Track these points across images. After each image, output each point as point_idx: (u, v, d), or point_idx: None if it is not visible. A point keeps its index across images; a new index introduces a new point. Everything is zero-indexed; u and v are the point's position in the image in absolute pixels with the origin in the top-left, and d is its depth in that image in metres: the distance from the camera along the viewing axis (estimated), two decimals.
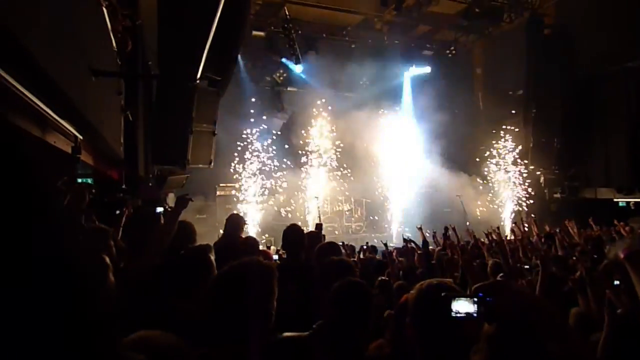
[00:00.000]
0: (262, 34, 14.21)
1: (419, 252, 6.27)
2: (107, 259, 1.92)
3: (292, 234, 3.55)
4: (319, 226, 5.30)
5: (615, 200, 12.41)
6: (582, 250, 5.39)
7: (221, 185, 13.90)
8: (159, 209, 4.66)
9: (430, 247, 6.44)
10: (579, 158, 13.17)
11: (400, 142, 15.57)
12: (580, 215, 10.86)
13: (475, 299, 1.16)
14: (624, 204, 12.62)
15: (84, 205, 2.88)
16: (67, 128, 3.48)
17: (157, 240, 2.76)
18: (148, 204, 6.11)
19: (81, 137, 3.77)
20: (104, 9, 3.84)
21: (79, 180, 4.47)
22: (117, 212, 3.72)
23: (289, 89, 16.00)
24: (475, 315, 1.17)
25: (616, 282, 2.79)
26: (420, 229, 7.38)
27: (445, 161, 14.54)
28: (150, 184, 7.26)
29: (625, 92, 12.07)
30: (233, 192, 13.85)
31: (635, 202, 12.24)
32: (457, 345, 1.55)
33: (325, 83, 15.62)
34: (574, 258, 4.83)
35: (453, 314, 1.37)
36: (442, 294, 1.28)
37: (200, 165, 7.88)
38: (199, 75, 5.68)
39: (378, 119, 15.72)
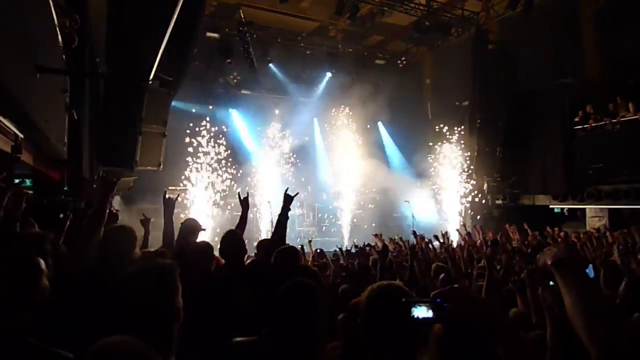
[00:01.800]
0: (216, 35, 14.01)
1: (375, 255, 6.41)
2: (42, 264, 1.83)
3: (232, 240, 3.51)
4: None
5: (550, 206, 13.23)
6: (522, 253, 5.70)
7: (170, 188, 13.51)
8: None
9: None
10: (519, 167, 13.93)
11: (351, 148, 15.83)
12: (519, 221, 11.47)
13: (432, 304, 1.21)
14: (559, 210, 13.49)
15: (19, 210, 2.72)
16: (7, 126, 3.28)
17: (87, 232, 2.67)
18: (91, 207, 5.83)
19: (22, 136, 3.56)
20: (50, 2, 3.66)
21: (16, 181, 4.22)
22: (61, 215, 3.54)
23: (242, 91, 15.88)
24: (432, 319, 1.22)
25: (552, 283, 3.00)
26: (376, 235, 7.56)
27: (395, 168, 14.93)
28: (94, 186, 6.96)
29: (561, 106, 12.94)
30: (184, 195, 13.50)
31: (568, 208, 13.12)
32: (407, 346, 1.61)
33: (279, 87, 15.65)
34: (514, 261, 5.11)
35: (410, 317, 1.43)
36: (403, 300, 1.33)
37: (149, 168, 7.65)
38: (151, 76, 5.51)
39: (331, 125, 15.94)
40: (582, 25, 13.29)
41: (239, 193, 4.49)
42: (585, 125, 12.30)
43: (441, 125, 15.47)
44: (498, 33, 14.91)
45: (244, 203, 4.28)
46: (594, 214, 12.33)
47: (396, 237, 8.83)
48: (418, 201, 14.46)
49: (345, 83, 16.23)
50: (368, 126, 16.53)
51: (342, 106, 16.06)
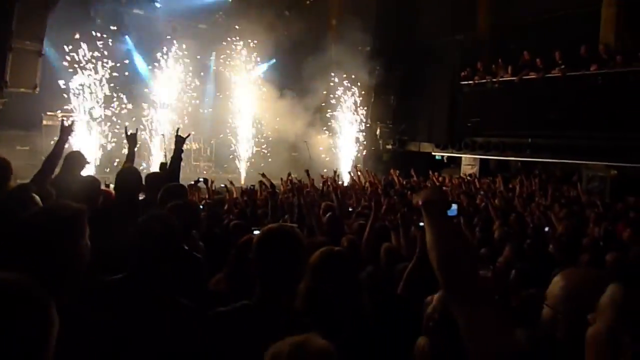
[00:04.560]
0: None
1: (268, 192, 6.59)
2: None
3: (125, 175, 3.40)
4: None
5: (433, 153, 14.50)
6: (400, 193, 6.29)
7: (49, 113, 12.18)
8: None
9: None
10: (410, 115, 14.89)
11: (251, 84, 15.47)
12: (406, 165, 12.46)
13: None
14: (440, 157, 14.86)
15: None
16: None
17: None
18: None
19: None
20: None
21: None
22: None
23: (135, 11, 14.39)
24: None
25: (421, 224, 3.44)
26: (263, 175, 7.69)
27: (294, 106, 14.98)
28: None
29: (452, 61, 13.88)
30: (64, 122, 12.24)
31: (448, 156, 14.49)
32: (292, 281, 1.80)
33: (176, 10, 14.46)
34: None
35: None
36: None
37: (23, 90, 6.82)
38: None
39: (231, 58, 15.32)
40: None
41: (126, 128, 4.31)
42: (470, 82, 13.40)
43: (343, 68, 15.67)
44: None
45: (131, 139, 4.15)
46: (468, 162, 13.80)
47: (292, 176, 9.10)
48: (315, 142, 14.85)
49: (248, 14, 15.46)
50: (269, 62, 16.20)
51: (238, 38, 15.38)
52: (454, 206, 1.55)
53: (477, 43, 14.29)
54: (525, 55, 12.43)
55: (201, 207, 4.62)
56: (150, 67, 14.51)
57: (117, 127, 12.58)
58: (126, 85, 13.41)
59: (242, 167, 15.63)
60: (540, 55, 12.01)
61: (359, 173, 10.23)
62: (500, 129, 12.53)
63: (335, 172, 10.19)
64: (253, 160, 15.60)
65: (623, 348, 0.79)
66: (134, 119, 12.62)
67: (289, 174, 7.36)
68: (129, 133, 4.16)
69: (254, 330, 1.58)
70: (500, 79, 12.80)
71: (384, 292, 3.37)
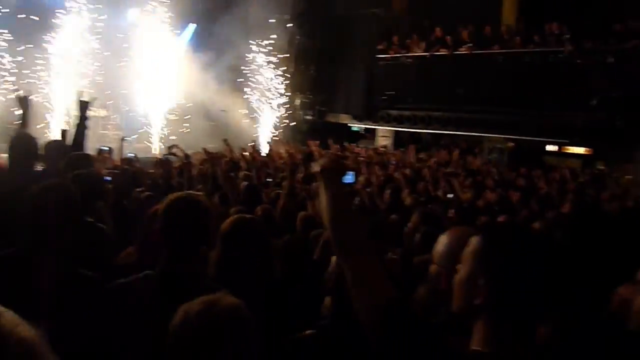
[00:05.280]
0: None
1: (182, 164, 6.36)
2: None
3: (17, 143, 3.11)
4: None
5: (349, 125, 14.87)
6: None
7: None
8: None
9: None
10: (329, 86, 15.04)
11: (166, 50, 14.59)
12: (324, 136, 12.66)
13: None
14: (357, 129, 15.28)
15: None
16: None
17: None
18: None
19: None
20: None
21: None
22: None
23: None
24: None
25: None
26: (176, 146, 7.42)
27: (212, 74, 14.45)
28: None
29: (369, 35, 14.14)
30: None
31: (365, 127, 14.95)
32: (197, 249, 1.80)
33: None
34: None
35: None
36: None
37: None
38: None
39: (146, 20, 14.28)
40: None
41: (17, 91, 3.94)
42: (386, 55, 13.78)
43: (261, 36, 15.31)
44: None
45: (23, 103, 3.77)
46: (383, 134, 14.36)
47: (209, 146, 8.86)
48: (234, 111, 14.50)
49: None
50: (190, 28, 15.35)
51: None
52: (351, 174, 1.65)
53: (393, 18, 14.66)
54: (437, 32, 13.00)
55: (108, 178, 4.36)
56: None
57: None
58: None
59: (156, 136, 14.86)
60: (451, 33, 12.64)
61: (278, 143, 10.24)
62: (413, 103, 13.12)
63: (253, 142, 10.10)
64: (168, 129, 14.89)
65: (478, 290, 0.95)
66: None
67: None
68: (20, 96, 3.78)
69: (156, 299, 1.57)
70: (414, 54, 13.31)
71: (299, 258, 3.48)
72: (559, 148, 11.59)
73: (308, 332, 1.93)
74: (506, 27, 12.12)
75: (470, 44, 12.15)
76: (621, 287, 2.04)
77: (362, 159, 9.06)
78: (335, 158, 1.34)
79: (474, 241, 1.01)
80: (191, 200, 1.78)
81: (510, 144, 11.91)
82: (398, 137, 14.18)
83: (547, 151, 11.85)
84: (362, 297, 1.05)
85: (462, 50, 12.25)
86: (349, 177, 1.60)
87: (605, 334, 1.76)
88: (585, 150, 11.03)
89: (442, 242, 1.37)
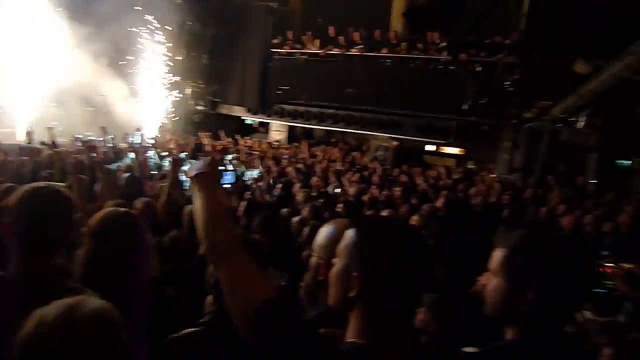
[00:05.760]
0: None
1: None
2: None
3: None
4: None
5: (242, 117, 14.65)
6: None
7: None
8: None
9: None
10: (222, 77, 14.62)
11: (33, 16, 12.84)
12: (216, 128, 12.31)
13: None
14: (250, 122, 15.11)
15: None
16: None
17: None
18: None
19: None
20: None
21: None
22: None
23: None
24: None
25: None
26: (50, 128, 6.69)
27: (92, 54, 13.15)
28: None
29: (265, 28, 14.01)
30: None
31: (260, 121, 14.83)
32: (55, 245, 1.61)
33: None
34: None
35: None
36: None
37: None
38: None
39: None
40: None
41: None
42: (281, 50, 13.79)
43: (150, 18, 14.34)
44: None
45: None
46: (277, 129, 14.38)
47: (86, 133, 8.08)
48: (116, 96, 13.37)
49: None
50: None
51: None
52: (230, 174, 1.62)
53: (289, 12, 14.72)
54: (330, 31, 13.34)
55: None
56: None
57: None
58: None
59: (19, 120, 13.09)
60: (343, 33, 13.07)
61: (165, 133, 9.70)
62: (307, 99, 13.33)
63: (138, 129, 9.44)
64: (39, 114, 13.21)
65: (352, 283, 0.97)
66: None
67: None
68: None
69: (7, 305, 1.36)
70: (308, 51, 13.51)
71: (185, 255, 3.32)
72: (437, 148, 12.68)
73: (188, 330, 1.85)
74: (395, 32, 12.87)
75: (361, 46, 12.68)
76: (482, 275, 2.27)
77: (255, 152, 8.99)
78: (210, 161, 1.28)
79: (348, 235, 1.03)
80: (49, 192, 1.60)
81: (395, 143, 12.72)
82: (292, 132, 14.32)
83: (427, 151, 12.90)
84: (235, 304, 1.02)
85: (354, 51, 12.74)
86: (228, 178, 1.56)
87: (467, 318, 1.95)
88: (460, 151, 12.22)
89: (321, 234, 1.39)
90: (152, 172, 5.80)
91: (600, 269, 3.26)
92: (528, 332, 1.13)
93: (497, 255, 1.19)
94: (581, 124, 7.86)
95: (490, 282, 1.20)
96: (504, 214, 5.69)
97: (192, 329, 1.85)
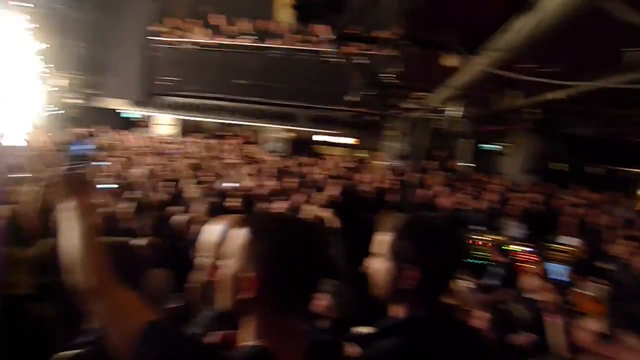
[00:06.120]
0: None
1: None
2: None
3: None
4: None
5: (117, 111, 13.61)
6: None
7: None
8: None
9: None
10: (100, 67, 13.44)
11: None
12: (94, 122, 11.30)
13: None
14: (131, 116, 14.14)
15: None
16: None
17: None
18: None
19: None
20: None
21: None
22: None
23: None
24: None
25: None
26: None
27: None
28: None
29: (146, 16, 13.13)
30: None
31: (142, 115, 13.93)
32: None
33: None
34: None
35: None
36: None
37: None
38: None
39: None
40: None
41: None
42: (164, 39, 13.04)
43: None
44: None
45: None
46: (164, 122, 13.67)
47: None
48: None
49: None
50: None
51: None
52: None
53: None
54: (216, 20, 12.93)
55: None
56: None
57: None
58: None
59: None
60: (229, 23, 12.76)
61: (36, 131, 8.63)
62: (198, 91, 12.84)
63: None
64: None
65: (248, 284, 0.93)
66: None
67: None
68: None
69: None
70: (196, 41, 12.98)
71: (57, 268, 3.01)
72: (330, 138, 13.07)
73: (69, 353, 1.66)
74: (286, 24, 12.88)
75: (254, 36, 12.50)
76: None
77: (138, 148, 8.45)
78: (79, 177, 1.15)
79: (242, 234, 1.00)
80: None
81: (291, 134, 12.85)
82: (183, 126, 13.72)
83: (322, 141, 13.23)
84: (115, 335, 0.93)
85: (243, 41, 12.51)
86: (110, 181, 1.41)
87: (360, 300, 2.02)
88: (355, 141, 12.73)
89: (209, 232, 1.32)
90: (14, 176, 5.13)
91: (471, 242, 3.67)
92: (416, 308, 1.20)
93: (380, 238, 1.25)
94: (459, 113, 8.67)
95: (376, 264, 1.25)
96: (391, 198, 6.03)
97: (75, 351, 1.67)
